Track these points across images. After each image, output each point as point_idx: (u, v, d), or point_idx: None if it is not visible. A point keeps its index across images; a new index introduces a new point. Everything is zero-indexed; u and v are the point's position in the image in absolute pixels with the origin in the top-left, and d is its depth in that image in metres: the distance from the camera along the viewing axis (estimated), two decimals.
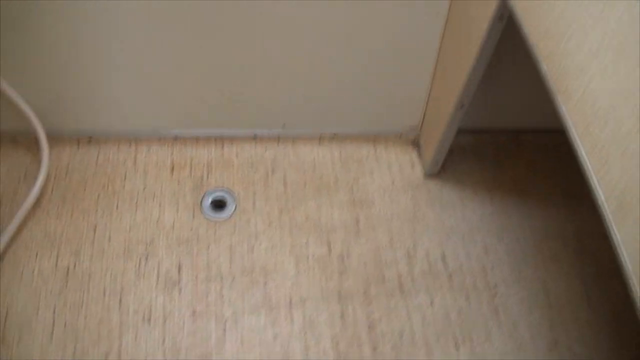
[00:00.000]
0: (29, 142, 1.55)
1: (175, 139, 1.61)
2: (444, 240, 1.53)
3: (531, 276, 1.51)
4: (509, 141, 1.78)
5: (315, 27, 1.36)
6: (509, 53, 1.43)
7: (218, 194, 1.53)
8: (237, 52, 1.40)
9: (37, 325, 1.30)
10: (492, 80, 1.53)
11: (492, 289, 1.47)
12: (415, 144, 1.71)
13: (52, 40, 1.33)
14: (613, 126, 0.77)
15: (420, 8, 1.34)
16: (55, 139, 1.57)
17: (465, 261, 1.51)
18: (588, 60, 0.82)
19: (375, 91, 1.56)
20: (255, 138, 1.64)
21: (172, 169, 1.57)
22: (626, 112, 0.74)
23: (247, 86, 1.49)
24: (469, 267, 1.50)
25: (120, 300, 1.34)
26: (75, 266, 1.38)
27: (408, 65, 1.50)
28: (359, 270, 1.44)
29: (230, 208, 1.50)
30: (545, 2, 0.93)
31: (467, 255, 1.52)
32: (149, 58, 1.39)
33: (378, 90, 1.56)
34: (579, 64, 0.85)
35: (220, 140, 1.63)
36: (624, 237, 0.75)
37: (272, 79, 1.48)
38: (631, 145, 0.72)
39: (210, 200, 1.51)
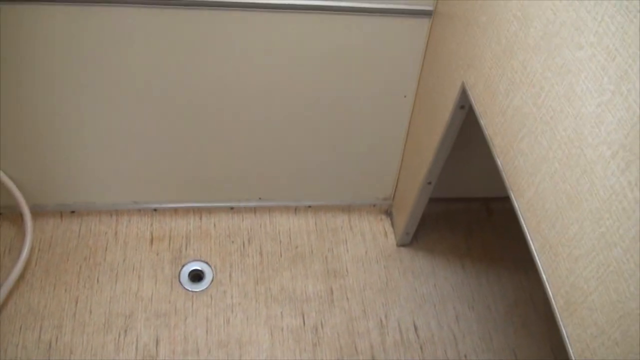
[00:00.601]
0: (14, 216, 1.60)
1: (155, 210, 1.66)
2: (416, 310, 1.58)
3: (502, 344, 1.56)
4: (479, 209, 1.85)
5: (291, 106, 1.44)
6: (475, 127, 1.51)
7: (196, 266, 1.57)
8: (214, 129, 1.47)
9: None
10: (462, 151, 1.60)
11: (463, 358, 1.52)
12: (388, 213, 1.78)
13: (35, 118, 1.39)
14: (560, 228, 0.83)
15: (390, 89, 1.42)
16: (38, 212, 1.62)
17: (437, 331, 1.56)
18: (538, 162, 0.89)
19: (349, 165, 1.63)
20: (232, 209, 1.70)
21: (152, 240, 1.62)
22: (572, 217, 0.80)
23: (225, 161, 1.56)
24: (440, 336, 1.55)
25: None
26: (57, 340, 1.41)
27: (380, 142, 1.57)
28: (333, 342, 1.48)
29: (207, 279, 1.55)
30: (499, 103, 1.00)
31: (439, 324, 1.57)
32: (129, 136, 1.46)
33: (352, 165, 1.63)
34: (530, 165, 0.91)
35: (198, 211, 1.68)
36: (570, 332, 0.81)
37: (248, 154, 1.55)
38: (575, 249, 0.79)
39: (188, 272, 1.56)
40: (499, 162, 1.03)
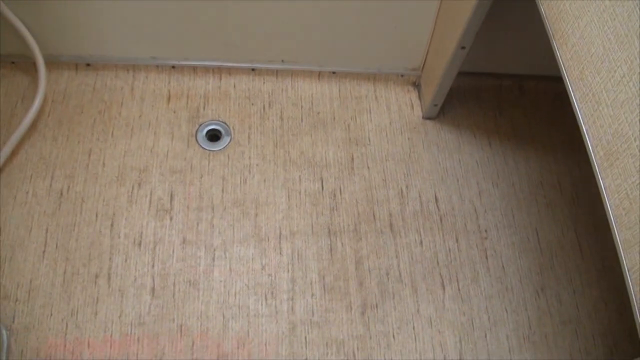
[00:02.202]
0: (27, 66, 1.54)
1: (173, 68, 1.60)
2: (438, 183, 1.53)
3: (524, 222, 1.51)
4: (511, 86, 1.76)
5: None
6: None
7: (213, 126, 1.52)
8: None
9: (29, 245, 1.32)
10: (496, 22, 1.50)
11: (483, 233, 1.48)
12: (416, 85, 1.70)
13: None
14: (606, 73, 0.75)
15: None
16: (53, 63, 1.56)
17: (458, 204, 1.51)
18: (585, 3, 0.80)
19: (377, 31, 1.53)
20: (253, 71, 1.62)
21: (169, 98, 1.56)
22: (620, 59, 0.72)
23: (248, 19, 1.47)
24: (461, 210, 1.50)
25: (112, 224, 1.36)
26: (68, 189, 1.39)
27: (411, 6, 1.47)
28: (350, 207, 1.44)
29: (225, 140, 1.50)
30: None
31: (460, 198, 1.52)
32: None
33: (380, 30, 1.53)
34: (576, 8, 0.83)
35: (218, 71, 1.61)
36: (608, 185, 0.75)
37: (272, 13, 1.46)
38: (621, 94, 0.71)
39: (205, 131, 1.51)
40: (542, 9, 0.93)
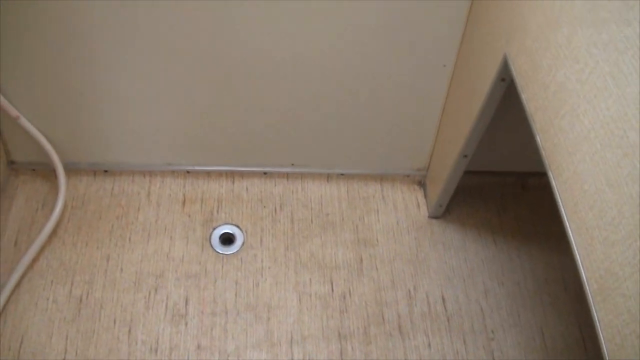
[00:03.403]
0: (47, 173, 1.62)
1: (188, 173, 1.67)
2: (445, 282, 1.57)
3: (529, 321, 1.54)
4: (514, 183, 1.82)
5: (328, 72, 1.42)
6: (515, 100, 1.48)
7: (227, 229, 1.58)
8: (250, 94, 1.46)
9: (50, 352, 1.36)
10: (499, 123, 1.57)
11: (490, 333, 1.51)
12: (422, 184, 1.76)
13: (69, 76, 1.40)
14: (598, 212, 0.80)
15: (429, 58, 1.39)
16: (72, 170, 1.64)
17: (465, 304, 1.55)
18: (579, 141, 0.86)
19: (384, 134, 1.61)
20: (265, 174, 1.70)
21: (184, 202, 1.63)
22: (610, 201, 0.77)
23: (259, 126, 1.55)
24: (468, 310, 1.54)
25: (130, 331, 1.40)
26: (88, 295, 1.44)
27: (416, 111, 1.55)
28: (360, 310, 1.48)
29: (238, 243, 1.56)
30: (542, 78, 0.97)
31: (467, 298, 1.56)
32: (164, 97, 1.46)
33: (387, 133, 1.61)
34: (570, 144, 0.88)
35: (231, 175, 1.69)
36: (602, 317, 0.79)
37: (283, 120, 1.54)
38: (612, 234, 0.76)
39: (219, 234, 1.57)
40: (538, 139, 1.00)
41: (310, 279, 1.52)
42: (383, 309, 1.49)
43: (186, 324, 1.41)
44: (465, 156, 1.45)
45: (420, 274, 1.58)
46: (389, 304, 1.50)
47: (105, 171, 1.65)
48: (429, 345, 1.46)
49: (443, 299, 1.54)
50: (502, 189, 1.81)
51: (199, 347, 1.38)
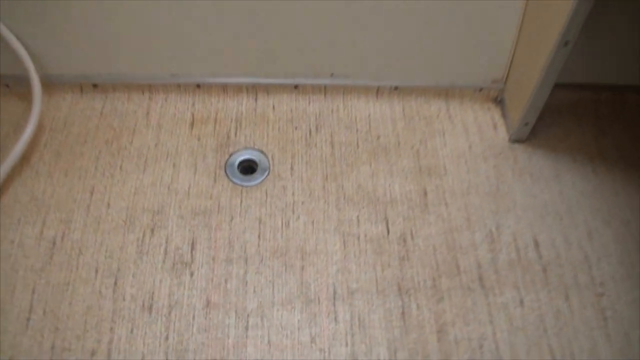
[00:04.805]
0: (24, 90, 1.26)
1: (198, 87, 1.30)
2: (536, 222, 1.18)
3: None
4: (612, 100, 1.42)
5: None
6: None
7: (248, 155, 1.21)
8: None
9: (10, 310, 1.01)
10: (598, 24, 1.18)
11: (598, 287, 1.12)
12: (498, 100, 1.36)
13: None
14: None
15: None
16: (53, 84, 1.28)
17: (564, 250, 1.15)
18: None
19: (448, 33, 1.22)
20: (296, 88, 1.32)
21: (193, 123, 1.26)
22: None
23: (289, 24, 1.17)
24: (569, 257, 1.15)
25: (115, 283, 1.04)
26: (63, 237, 1.09)
27: (489, 3, 1.16)
28: (427, 257, 1.10)
29: (262, 172, 1.19)
30: None
31: (566, 241, 1.17)
32: None
33: (452, 35, 1.23)
34: None
35: (253, 89, 1.31)
36: None
37: (319, 16, 1.16)
38: None
39: (237, 161, 1.20)
40: None
41: (357, 217, 1.14)
42: (457, 256, 1.11)
43: (192, 274, 1.05)
44: (567, 43, 1.05)
45: (503, 211, 1.19)
46: (465, 249, 1.12)
47: (95, 85, 1.29)
48: (521, 302, 1.07)
49: (536, 243, 1.15)
50: (597, 106, 1.41)
51: (208, 304, 1.02)
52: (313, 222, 1.12)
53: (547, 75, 1.15)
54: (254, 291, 1.04)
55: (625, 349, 1.06)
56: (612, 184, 1.28)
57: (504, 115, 1.34)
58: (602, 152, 1.33)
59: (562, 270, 1.13)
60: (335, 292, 1.04)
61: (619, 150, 1.35)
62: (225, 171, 1.18)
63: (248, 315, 1.01)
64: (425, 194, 1.19)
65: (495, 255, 1.12)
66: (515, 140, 1.31)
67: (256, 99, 1.31)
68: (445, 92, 1.35)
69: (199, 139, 1.23)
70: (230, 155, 1.21)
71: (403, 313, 1.03)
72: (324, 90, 1.32)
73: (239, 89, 1.31)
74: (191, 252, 1.07)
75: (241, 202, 1.14)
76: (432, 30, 1.22)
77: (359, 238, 1.11)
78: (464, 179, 1.22)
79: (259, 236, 1.10)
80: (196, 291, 1.03)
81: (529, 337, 1.04)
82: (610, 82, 1.44)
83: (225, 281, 1.04)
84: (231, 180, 1.17)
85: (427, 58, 1.28)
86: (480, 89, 1.35)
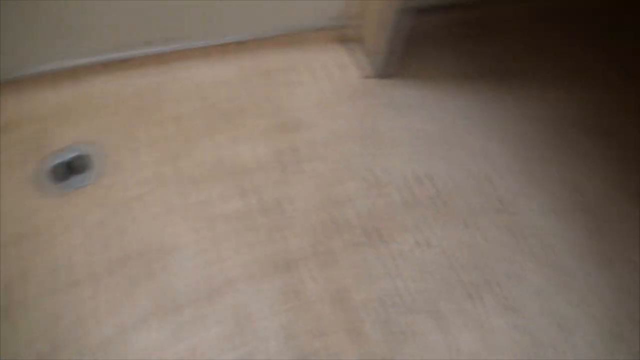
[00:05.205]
0: None
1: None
2: (421, 153, 1.06)
3: (552, 176, 1.05)
4: (481, 17, 1.32)
5: None
6: None
7: (74, 152, 1.00)
8: None
9: None
10: None
11: (508, 207, 1.01)
12: (354, 37, 1.21)
13: None
14: None
15: None
16: None
17: (459, 176, 1.04)
18: None
19: None
20: (125, 62, 1.11)
21: None
22: None
23: None
24: (466, 183, 1.03)
25: None
26: None
27: None
28: (305, 220, 0.94)
29: (93, 168, 0.98)
30: None
31: (460, 167, 1.05)
32: None
33: None
34: None
35: (71, 73, 1.09)
36: None
37: None
38: None
39: (60, 162, 0.99)
40: None
41: (219, 194, 0.96)
42: (341, 210, 0.96)
43: (14, 322, 0.83)
44: None
45: (381, 151, 1.05)
46: (345, 202, 0.97)
47: None
48: (420, 244, 0.93)
49: (425, 176, 1.02)
50: (447, 26, 1.29)
51: (54, 349, 0.81)
52: (165, 212, 0.94)
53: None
54: (106, 315, 0.84)
55: (554, 261, 0.95)
56: (500, 100, 1.18)
57: (364, 51, 1.20)
58: (480, 71, 1.22)
59: (462, 199, 1.01)
60: (210, 288, 0.86)
61: (499, 63, 1.24)
62: (44, 178, 0.97)
63: (98, 349, 0.81)
64: (292, 151, 1.02)
65: (380, 200, 0.98)
66: (384, 75, 1.17)
67: (76, 83, 1.09)
68: (295, 39, 1.20)
69: (7, 149, 1.00)
70: (51, 156, 0.99)
71: (291, 292, 0.86)
72: (158, 59, 1.13)
73: (53, 76, 1.08)
74: (8, 293, 0.85)
75: (72, 208, 0.93)
76: None
77: (223, 218, 0.93)
78: (330, 128, 1.07)
79: (105, 244, 0.90)
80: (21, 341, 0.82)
81: (440, 279, 0.90)
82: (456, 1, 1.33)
83: (64, 312, 0.83)
84: (56, 186, 0.96)
85: (266, 4, 1.12)
86: (333, 28, 1.20)
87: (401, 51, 1.16)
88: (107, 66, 1.10)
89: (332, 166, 1.01)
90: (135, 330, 0.81)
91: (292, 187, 0.97)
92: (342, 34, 1.21)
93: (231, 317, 0.84)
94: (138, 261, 0.88)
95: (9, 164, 0.97)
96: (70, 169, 0.98)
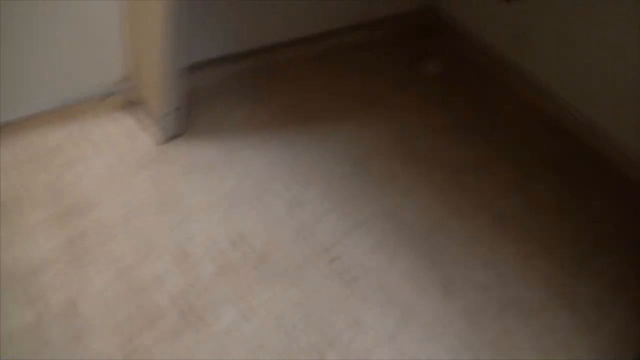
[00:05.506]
0: None
1: None
2: (230, 215, 0.97)
3: (374, 211, 1.01)
4: (267, 63, 1.27)
5: None
6: None
7: None
8: None
9: None
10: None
11: (334, 254, 0.94)
12: (138, 100, 1.11)
13: None
14: None
15: None
16: None
17: (275, 229, 0.96)
18: None
19: (45, 48, 0.94)
20: None
21: None
22: None
23: None
24: (284, 234, 0.96)
25: None
26: None
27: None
28: (108, 318, 0.80)
29: None
30: None
31: (274, 220, 0.97)
32: None
33: (49, 46, 0.94)
34: None
35: None
36: None
37: None
38: None
39: None
40: None
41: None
42: (148, 298, 0.83)
43: None
44: (178, 17, 0.85)
45: (184, 220, 0.94)
46: (155, 285, 0.85)
47: None
48: (249, 313, 0.83)
49: (241, 237, 0.93)
50: (255, 74, 1.25)
51: None
52: None
53: (172, 57, 0.93)
54: None
55: (391, 300, 0.89)
56: (304, 143, 1.13)
57: (144, 116, 1.09)
58: (279, 116, 1.17)
59: (286, 254, 0.93)
60: None
61: (298, 105, 1.20)
62: None
63: None
64: (82, 238, 0.88)
65: (193, 274, 0.86)
66: (177, 137, 1.07)
67: None
68: (75, 112, 1.07)
69: None
70: None
71: None
72: None
73: None
74: None
75: None
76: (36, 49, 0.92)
77: (6, 341, 0.76)
78: (126, 203, 0.94)
79: None
80: None
81: (276, 351, 0.80)
82: (258, 47, 1.28)
83: None
84: None
85: (32, 81, 0.98)
86: (116, 95, 1.09)
87: (188, 109, 1.08)
88: None
89: (132, 246, 0.88)
90: None
91: (87, 280, 0.83)
92: (126, 100, 1.10)
93: None
94: None
95: None
96: None
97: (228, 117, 1.14)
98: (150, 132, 1.06)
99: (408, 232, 1.00)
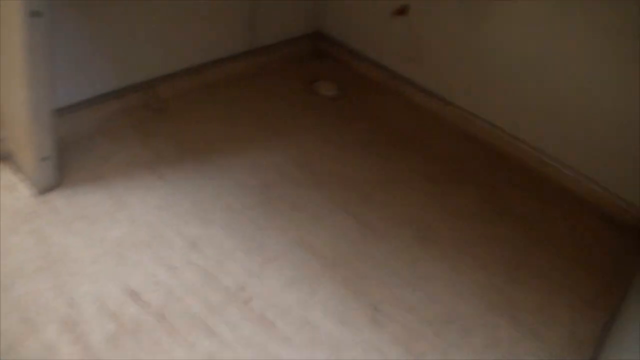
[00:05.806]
0: None
1: None
2: (118, 268, 0.85)
3: (287, 243, 0.91)
4: (140, 99, 1.17)
5: None
6: None
7: None
8: None
9: None
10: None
11: (247, 293, 0.83)
12: (11, 151, 0.98)
13: None
14: None
15: None
16: None
17: (173, 277, 0.84)
18: None
19: None
20: None
21: None
22: None
23: None
24: (184, 283, 0.84)
25: None
26: None
27: None
28: None
29: None
30: None
31: (170, 268, 0.85)
32: None
33: None
34: None
35: None
36: None
37: None
38: None
39: None
40: None
41: None
42: None
43: None
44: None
45: (68, 279, 0.82)
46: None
47: None
48: None
49: (133, 293, 0.81)
50: (133, 112, 1.14)
51: None
52: None
53: (34, 105, 0.82)
54: None
55: (316, 339, 0.79)
56: (204, 177, 1.03)
57: (18, 169, 0.96)
58: (158, 155, 1.06)
59: (190, 305, 0.81)
60: None
61: (195, 138, 1.09)
62: None
63: None
64: None
65: (82, 338, 0.74)
66: (47, 189, 0.95)
67: None
68: None
69: None
70: None
71: None
72: None
73: None
74: None
75: None
76: None
77: None
78: (4, 267, 0.81)
79: None
80: None
81: None
82: (141, 80, 1.18)
83: None
84: None
85: None
86: None
87: (70, 154, 0.98)
88: None
89: (16, 316, 0.75)
90: None
91: None
92: (4, 153, 0.97)
93: None
94: None
95: None
96: None
97: (113, 158, 1.04)
98: (31, 185, 0.93)
99: (323, 262, 0.91)
